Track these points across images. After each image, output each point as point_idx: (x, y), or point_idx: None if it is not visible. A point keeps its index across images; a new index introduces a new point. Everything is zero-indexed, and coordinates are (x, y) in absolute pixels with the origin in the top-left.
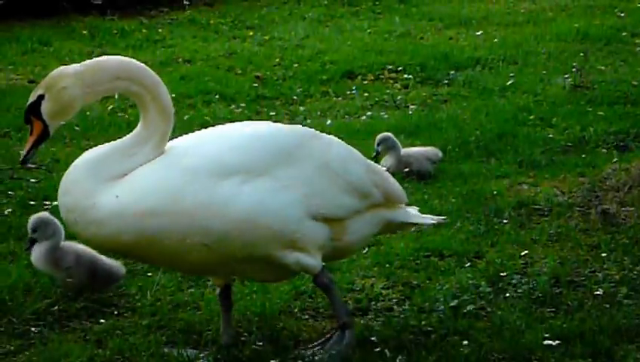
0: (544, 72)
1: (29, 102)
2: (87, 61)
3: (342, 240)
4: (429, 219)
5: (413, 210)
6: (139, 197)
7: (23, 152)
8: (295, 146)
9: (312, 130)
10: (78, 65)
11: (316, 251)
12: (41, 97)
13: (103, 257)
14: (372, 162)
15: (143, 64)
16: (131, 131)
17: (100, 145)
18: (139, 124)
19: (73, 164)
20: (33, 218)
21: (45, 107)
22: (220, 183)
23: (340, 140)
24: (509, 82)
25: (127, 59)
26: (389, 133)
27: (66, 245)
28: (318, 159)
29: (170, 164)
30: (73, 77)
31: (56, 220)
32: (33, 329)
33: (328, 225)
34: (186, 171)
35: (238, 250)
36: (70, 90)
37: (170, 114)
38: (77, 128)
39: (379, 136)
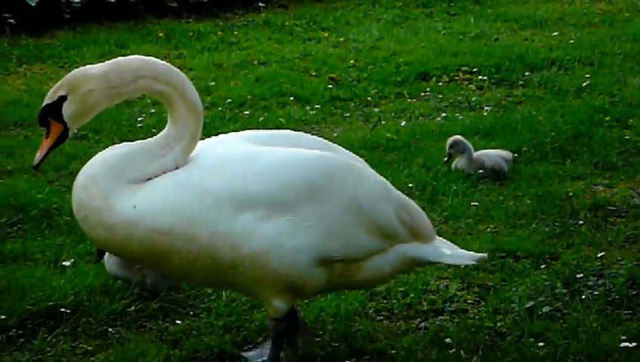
0: (620, 72)
1: (45, 103)
2: (108, 62)
3: (356, 276)
4: (464, 258)
5: (447, 247)
6: (156, 213)
7: (38, 156)
8: (327, 179)
9: (349, 160)
10: (101, 65)
11: (299, 298)
12: (62, 98)
13: None
14: (402, 196)
15: (166, 62)
16: (207, 132)
17: (127, 143)
18: (167, 125)
19: (95, 157)
20: None
21: (68, 109)
22: (239, 216)
23: (375, 174)
24: (585, 83)
25: (148, 57)
26: (459, 137)
27: None
28: (349, 195)
29: (193, 184)
30: (100, 79)
31: None
32: (110, 329)
33: (340, 266)
34: (207, 195)
35: (243, 281)
36: (97, 92)
37: (199, 112)
38: (154, 130)
39: (449, 140)
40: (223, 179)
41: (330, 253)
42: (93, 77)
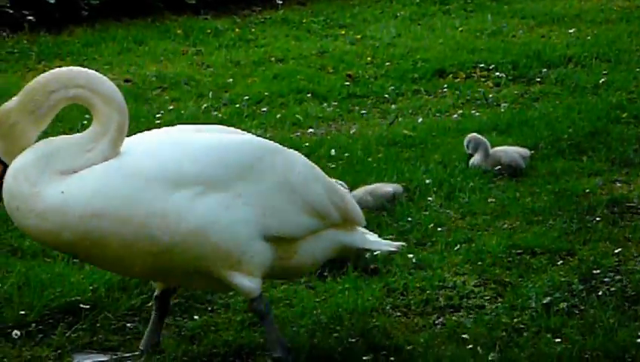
0: (638, 69)
1: None
2: (21, 91)
3: (291, 260)
4: (387, 245)
5: (371, 236)
6: (87, 197)
7: None
8: (257, 159)
9: (276, 144)
10: (15, 97)
11: (259, 273)
12: None
13: None
14: (333, 181)
15: (70, 67)
16: None
17: (56, 137)
18: (93, 122)
19: (24, 151)
20: None
21: (1, 148)
22: (174, 194)
23: (303, 157)
24: (602, 80)
25: (51, 71)
26: (475, 134)
27: None
28: (280, 175)
29: (124, 167)
30: (17, 110)
31: None
32: (129, 324)
33: (278, 245)
34: (140, 177)
35: (184, 263)
36: (20, 123)
37: (117, 103)
38: None
39: (466, 139)
40: (157, 161)
41: (270, 229)
42: (10, 110)
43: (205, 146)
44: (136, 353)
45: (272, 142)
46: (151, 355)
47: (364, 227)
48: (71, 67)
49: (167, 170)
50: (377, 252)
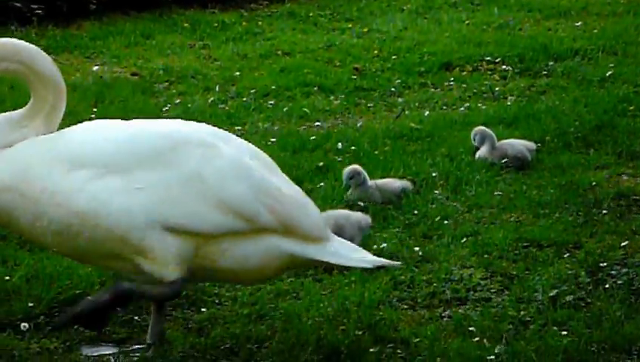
0: None
1: None
2: None
3: (219, 262)
4: (361, 261)
5: (346, 249)
6: (1, 171)
7: None
8: (168, 149)
9: (207, 138)
10: None
11: (175, 265)
12: None
13: None
14: (276, 186)
15: (18, 41)
16: (232, 122)
17: None
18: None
19: None
20: None
21: None
22: (70, 173)
23: (240, 155)
24: (609, 73)
25: (2, 40)
26: (482, 127)
27: None
28: (192, 168)
29: (36, 145)
30: None
31: None
32: (136, 317)
33: (192, 241)
34: (44, 154)
35: (87, 245)
36: None
37: (54, 81)
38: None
39: (473, 131)
40: (64, 141)
41: (169, 219)
42: None
43: (117, 132)
44: (144, 345)
45: (198, 134)
46: (158, 347)
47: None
48: (20, 41)
49: (70, 150)
50: (351, 266)
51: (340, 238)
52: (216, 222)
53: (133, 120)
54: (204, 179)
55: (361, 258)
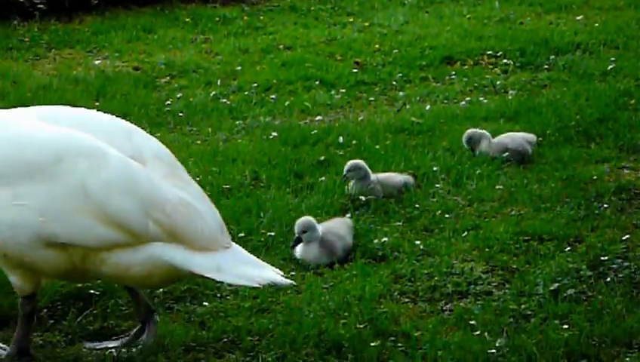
0: None
1: None
2: None
3: (100, 269)
4: (246, 279)
5: (236, 261)
6: None
7: None
8: (55, 160)
9: (97, 145)
10: None
11: (33, 278)
12: None
13: None
14: (166, 197)
15: None
16: (233, 116)
17: None
18: None
19: None
20: None
21: None
22: None
23: (126, 166)
24: (610, 67)
25: None
26: (471, 129)
27: None
28: (77, 180)
29: None
30: None
31: None
32: None
33: (75, 253)
34: None
35: None
36: None
37: None
38: (181, 114)
39: (465, 136)
40: None
41: (52, 235)
42: None
43: (5, 139)
44: (137, 328)
45: (88, 142)
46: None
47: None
48: None
49: None
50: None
51: (240, 249)
52: (101, 237)
53: (28, 120)
54: (88, 192)
55: (250, 276)
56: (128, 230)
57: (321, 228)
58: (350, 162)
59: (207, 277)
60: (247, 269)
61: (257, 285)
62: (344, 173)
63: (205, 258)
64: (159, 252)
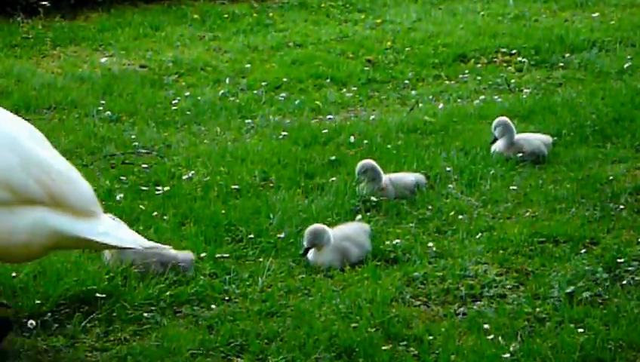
0: None
1: None
2: None
3: None
4: (127, 241)
5: (114, 228)
6: None
7: None
8: None
9: None
10: None
11: None
12: None
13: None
14: (46, 159)
15: None
16: (242, 115)
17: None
18: None
19: None
20: None
21: None
22: None
23: (9, 124)
24: (627, 65)
25: None
26: (506, 118)
27: None
28: None
29: None
30: None
31: None
32: (145, 314)
33: None
34: None
35: None
36: None
37: None
38: (189, 113)
39: (496, 121)
40: None
41: None
42: None
43: None
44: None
45: None
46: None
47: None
48: None
49: None
50: (119, 246)
51: (112, 217)
52: None
53: None
54: None
55: (132, 239)
56: (8, 185)
57: (336, 232)
58: (362, 163)
59: (93, 241)
60: (127, 233)
61: (140, 247)
62: (357, 175)
63: (89, 223)
64: (44, 217)
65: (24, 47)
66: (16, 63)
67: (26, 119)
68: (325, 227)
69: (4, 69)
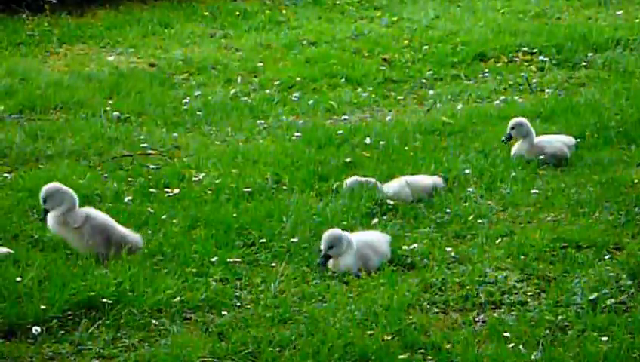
0: None
1: None
2: None
3: None
4: None
5: None
6: None
7: None
8: None
9: None
10: None
11: None
12: None
13: (118, 226)
14: None
15: None
16: (254, 115)
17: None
18: None
19: None
20: (43, 189)
21: None
22: None
23: None
24: None
25: None
26: (524, 119)
27: (78, 209)
28: None
29: None
30: None
31: (65, 188)
32: (154, 321)
33: None
34: None
35: None
36: None
37: None
38: (199, 113)
39: (512, 121)
40: None
41: None
42: None
43: None
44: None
45: None
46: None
47: None
48: None
49: None
50: None
51: None
52: None
53: None
54: None
55: None
56: None
57: (358, 237)
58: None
59: None
60: None
61: None
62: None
63: None
64: None
65: (29, 45)
66: (21, 62)
67: (31, 119)
68: (344, 232)
69: (9, 68)
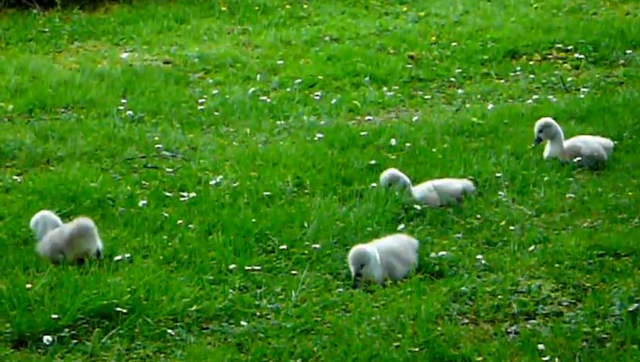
0: None
1: None
2: None
3: None
4: None
5: None
6: None
7: None
8: None
9: None
10: None
11: None
12: None
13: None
14: None
15: None
16: (274, 116)
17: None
18: None
19: None
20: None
21: None
22: None
23: None
24: None
25: None
26: (550, 119)
27: None
28: None
29: None
30: None
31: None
32: (170, 331)
33: None
34: None
35: None
36: None
37: None
38: (216, 113)
39: (538, 123)
40: None
41: None
42: None
43: None
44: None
45: None
46: None
47: None
48: None
49: None
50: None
51: None
52: None
53: None
54: None
55: None
56: None
57: (381, 245)
58: (387, 173)
59: None
60: None
61: None
62: (384, 186)
63: None
64: None
65: (40, 42)
66: (31, 59)
67: (41, 119)
68: (368, 246)
69: (19, 65)
